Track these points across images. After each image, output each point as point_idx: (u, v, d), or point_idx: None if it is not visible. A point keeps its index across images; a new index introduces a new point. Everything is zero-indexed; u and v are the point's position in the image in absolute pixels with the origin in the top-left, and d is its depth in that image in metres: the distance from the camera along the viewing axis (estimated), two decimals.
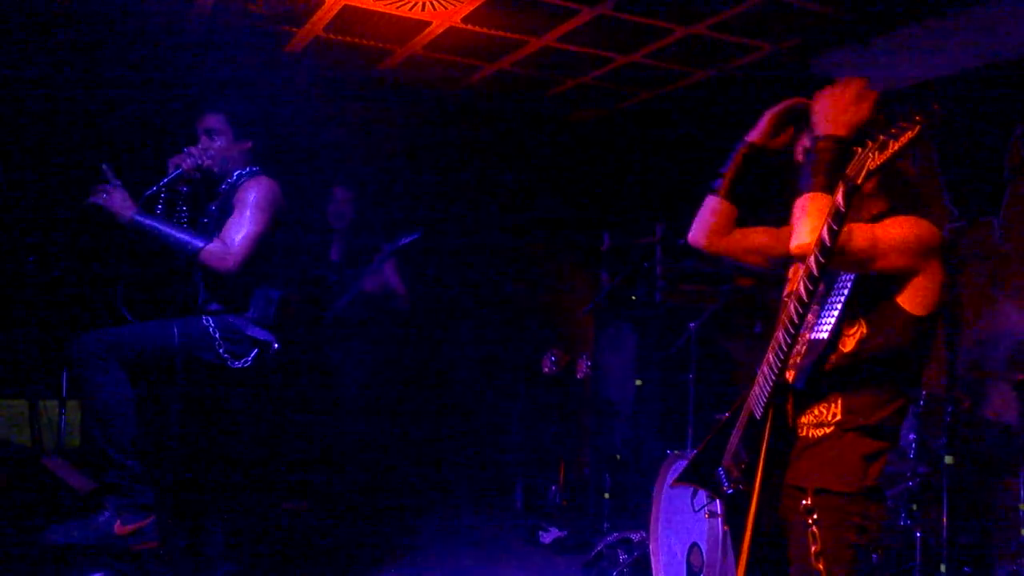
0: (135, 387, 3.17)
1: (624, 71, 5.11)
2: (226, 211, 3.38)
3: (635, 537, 4.24)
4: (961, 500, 3.50)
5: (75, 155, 4.71)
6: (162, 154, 3.40)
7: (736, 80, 5.07)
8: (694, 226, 2.55)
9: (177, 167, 3.37)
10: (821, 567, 2.11)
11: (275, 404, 4.29)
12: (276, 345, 3.42)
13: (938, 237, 2.19)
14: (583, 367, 5.38)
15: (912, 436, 3.54)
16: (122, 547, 3.10)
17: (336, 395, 5.02)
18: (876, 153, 1.92)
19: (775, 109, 2.50)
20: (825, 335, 2.22)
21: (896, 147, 1.91)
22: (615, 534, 4.38)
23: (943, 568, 3.34)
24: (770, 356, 2.15)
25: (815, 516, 2.12)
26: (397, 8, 4.25)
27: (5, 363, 4.45)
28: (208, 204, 3.52)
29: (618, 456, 5.14)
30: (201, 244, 3.24)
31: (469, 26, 4.46)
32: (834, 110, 2.21)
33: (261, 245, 3.34)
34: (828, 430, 2.21)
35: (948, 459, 3.41)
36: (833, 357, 2.21)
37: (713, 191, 2.51)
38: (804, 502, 2.14)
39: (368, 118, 5.68)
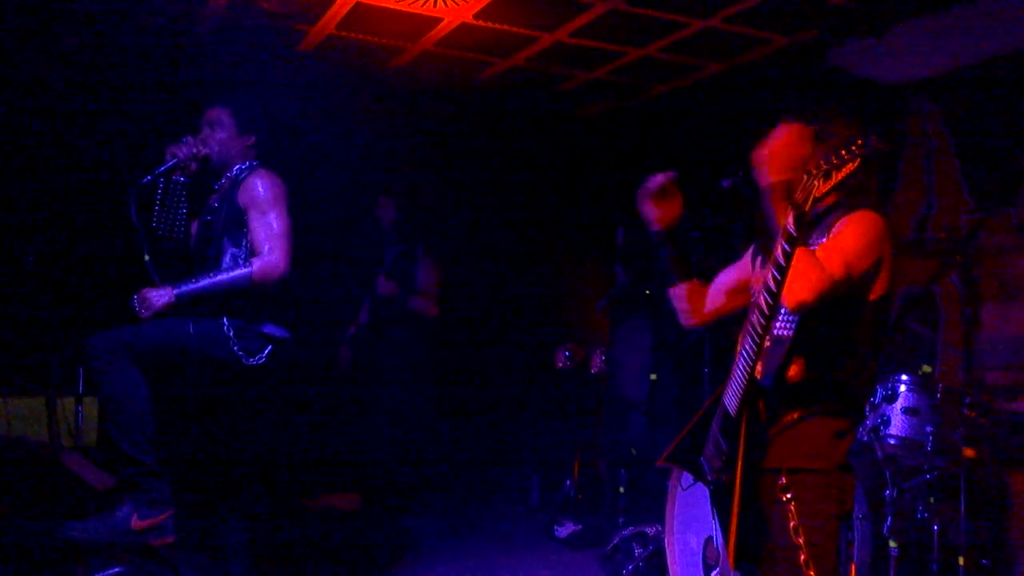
0: (150, 384, 3.19)
1: (637, 65, 5.09)
2: (232, 208, 3.38)
3: (650, 531, 4.24)
4: (979, 493, 3.48)
5: (88, 152, 4.75)
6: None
7: (751, 73, 5.05)
8: (680, 316, 2.80)
9: (173, 156, 3.35)
10: (800, 541, 2.28)
11: (290, 401, 4.30)
12: (290, 343, 3.43)
13: (885, 224, 2.38)
14: (598, 362, 5.37)
15: (929, 429, 3.50)
16: (140, 542, 3.12)
17: (349, 393, 5.04)
18: (821, 181, 2.13)
19: (643, 200, 2.74)
20: (788, 332, 2.37)
21: (839, 176, 2.14)
22: (631, 528, 4.38)
23: (961, 561, 3.32)
24: (739, 360, 2.32)
25: (790, 494, 2.31)
26: (409, 5, 4.25)
27: (23, 361, 4.49)
28: (209, 199, 3.52)
29: (633, 451, 5.13)
30: (247, 271, 3.26)
31: (480, 22, 4.46)
32: (775, 157, 2.39)
33: (293, 238, 3.35)
34: (796, 415, 2.37)
35: (966, 452, 3.38)
36: (798, 351, 2.36)
37: (671, 284, 2.77)
38: (780, 482, 2.32)
39: (380, 115, 5.69)
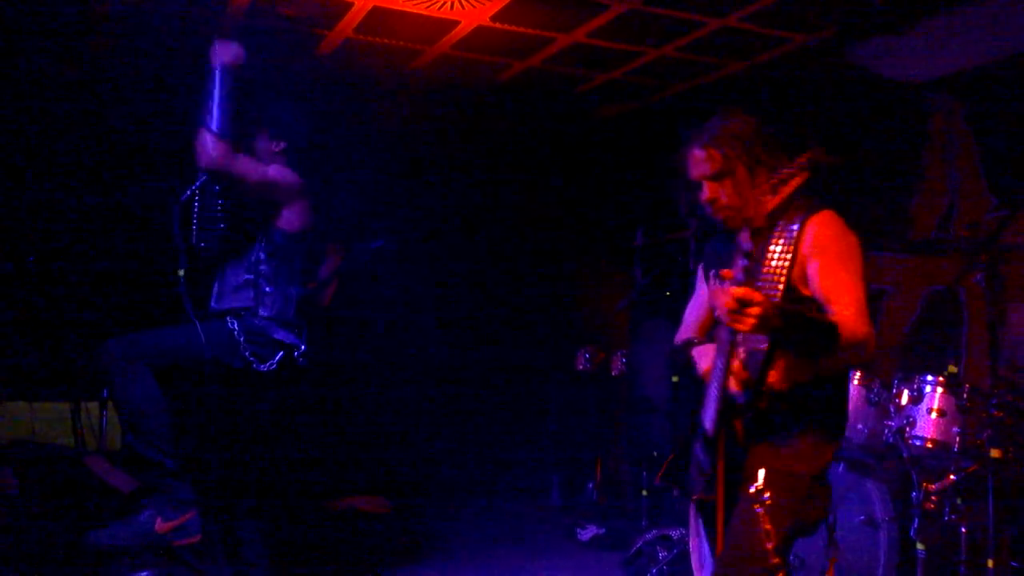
0: (166, 389, 3.21)
1: (655, 65, 5.07)
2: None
3: (675, 534, 4.22)
4: (1007, 494, 3.43)
5: (108, 159, 4.79)
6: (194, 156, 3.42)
7: (770, 72, 5.01)
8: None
9: None
10: (769, 547, 2.23)
11: (306, 407, 4.30)
12: (303, 347, 3.44)
13: (848, 225, 2.41)
14: (618, 364, 5.36)
15: (956, 430, 3.47)
16: (164, 544, 3.14)
17: (367, 394, 5.04)
18: (769, 197, 2.29)
19: None
20: (764, 345, 2.33)
21: (787, 191, 2.30)
22: (654, 531, 4.35)
23: (990, 564, 3.27)
24: (712, 377, 2.31)
25: (767, 495, 2.23)
26: (426, 8, 4.26)
27: (48, 367, 4.52)
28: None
29: (655, 453, 5.11)
30: (219, 128, 3.25)
31: (498, 24, 4.46)
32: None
33: (251, 186, 3.35)
34: (778, 431, 2.35)
35: (994, 452, 3.34)
36: (773, 362, 2.32)
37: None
38: (756, 485, 2.25)
39: (399, 118, 5.70)
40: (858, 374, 3.74)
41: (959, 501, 3.46)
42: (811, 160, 2.26)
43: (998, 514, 3.30)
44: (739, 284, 2.07)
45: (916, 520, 3.39)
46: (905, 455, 3.52)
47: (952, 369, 3.71)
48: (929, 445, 3.49)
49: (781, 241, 2.36)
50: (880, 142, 4.81)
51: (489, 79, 5.38)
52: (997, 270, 3.82)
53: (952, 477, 3.47)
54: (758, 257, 2.38)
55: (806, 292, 2.34)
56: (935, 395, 3.52)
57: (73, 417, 4.49)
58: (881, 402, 3.65)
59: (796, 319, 2.16)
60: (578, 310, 6.37)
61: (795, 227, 2.35)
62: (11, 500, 3.59)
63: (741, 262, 2.08)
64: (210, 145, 3.22)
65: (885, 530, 3.53)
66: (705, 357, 2.48)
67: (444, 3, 4.19)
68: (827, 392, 2.40)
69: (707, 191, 2.46)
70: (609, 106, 5.98)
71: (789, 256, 2.33)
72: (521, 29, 4.53)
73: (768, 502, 2.20)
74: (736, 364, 2.32)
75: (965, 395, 3.50)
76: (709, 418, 2.33)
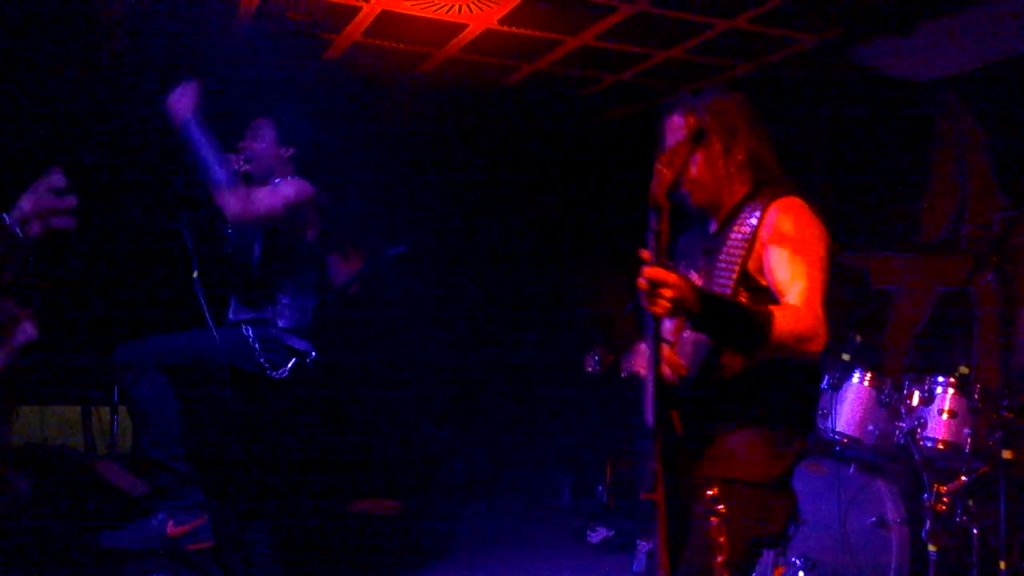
0: (178, 393, 3.22)
1: (663, 67, 5.07)
2: None
3: None
4: (1019, 495, 3.42)
5: (116, 162, 4.80)
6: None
7: (778, 73, 5.01)
8: None
9: None
10: (720, 559, 2.09)
11: (314, 410, 4.31)
12: (314, 354, 3.45)
13: (812, 208, 2.27)
14: (627, 366, 5.35)
15: (967, 431, 3.46)
16: (176, 548, 3.15)
17: (376, 396, 5.04)
18: (668, 171, 2.00)
19: None
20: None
21: (679, 162, 2.04)
22: None
23: (1002, 565, 3.26)
24: (649, 366, 2.09)
25: (721, 506, 2.11)
26: (434, 11, 4.27)
27: (59, 371, 4.54)
28: None
29: None
30: (225, 179, 3.20)
31: (506, 27, 4.46)
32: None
33: (280, 218, 3.35)
34: (728, 423, 2.22)
35: (1005, 454, 3.32)
36: (720, 352, 2.18)
37: None
38: (709, 493, 2.13)
39: (407, 121, 5.71)
40: (868, 375, 3.73)
41: (971, 502, 3.45)
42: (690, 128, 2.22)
43: (1010, 515, 3.29)
44: (652, 265, 1.91)
45: (928, 521, 3.38)
46: (916, 456, 3.51)
47: (963, 370, 3.69)
48: (940, 446, 3.48)
49: (743, 228, 2.26)
50: (887, 142, 4.80)
51: (497, 82, 5.39)
52: (1008, 270, 3.81)
53: (963, 478, 3.46)
54: (720, 244, 2.30)
55: (763, 281, 2.21)
56: (946, 396, 3.51)
57: (84, 421, 4.51)
58: (892, 403, 3.64)
59: (718, 305, 2.01)
60: (586, 312, 6.36)
61: (757, 213, 2.26)
62: (22, 502, 3.60)
63: (652, 243, 1.93)
64: (229, 201, 3.20)
65: (896, 531, 3.52)
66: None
67: (452, 6, 4.20)
68: (785, 386, 2.24)
69: None
70: (616, 108, 5.99)
71: (746, 243, 2.23)
72: (529, 32, 4.54)
73: (723, 511, 2.08)
74: (665, 351, 2.17)
75: (976, 396, 3.48)
76: (647, 409, 2.14)
